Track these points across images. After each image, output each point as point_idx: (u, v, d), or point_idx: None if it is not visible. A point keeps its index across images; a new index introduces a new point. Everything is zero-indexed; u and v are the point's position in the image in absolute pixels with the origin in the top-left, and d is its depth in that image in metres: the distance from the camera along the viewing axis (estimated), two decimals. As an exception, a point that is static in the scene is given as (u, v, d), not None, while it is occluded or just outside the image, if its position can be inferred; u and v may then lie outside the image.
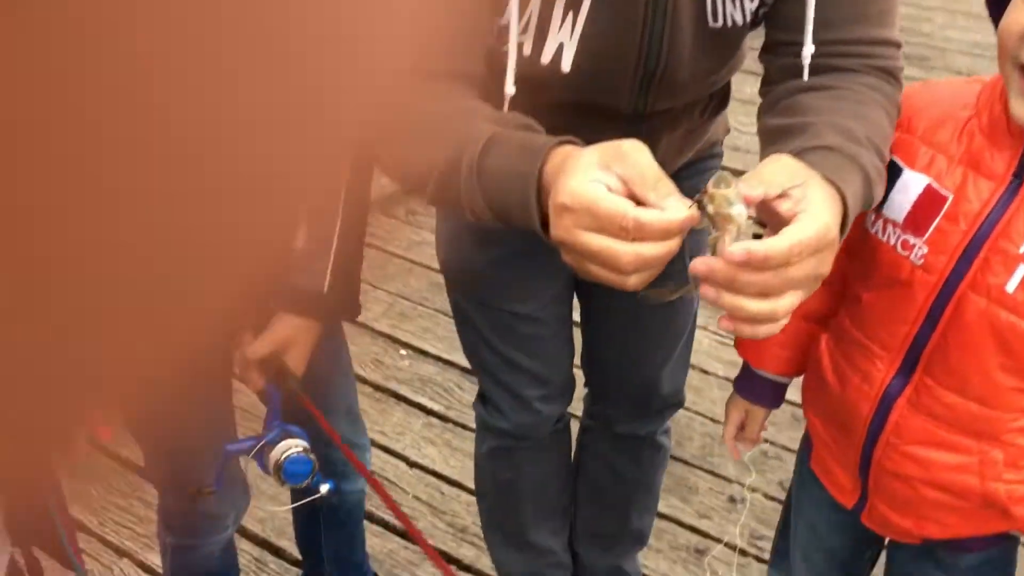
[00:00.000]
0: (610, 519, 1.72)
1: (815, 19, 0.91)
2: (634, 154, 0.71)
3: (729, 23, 0.97)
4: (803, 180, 0.75)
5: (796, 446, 2.33)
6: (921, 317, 1.05)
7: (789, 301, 0.73)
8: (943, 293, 1.03)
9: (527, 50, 0.96)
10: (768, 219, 0.76)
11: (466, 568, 2.03)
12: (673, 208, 0.69)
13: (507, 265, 1.31)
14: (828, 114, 0.89)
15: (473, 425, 2.36)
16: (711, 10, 0.96)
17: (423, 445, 2.32)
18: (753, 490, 2.22)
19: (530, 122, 0.87)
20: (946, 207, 1.02)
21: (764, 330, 0.75)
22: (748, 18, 0.98)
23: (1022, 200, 0.99)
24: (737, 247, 0.69)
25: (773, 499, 2.20)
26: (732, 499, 2.20)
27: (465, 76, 0.92)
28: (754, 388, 1.33)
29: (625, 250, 0.68)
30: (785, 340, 1.24)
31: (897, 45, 1.00)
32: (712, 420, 2.43)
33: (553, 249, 1.39)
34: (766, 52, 1.04)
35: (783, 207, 0.74)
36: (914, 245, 1.05)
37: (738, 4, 0.97)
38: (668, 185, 0.71)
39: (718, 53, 1.03)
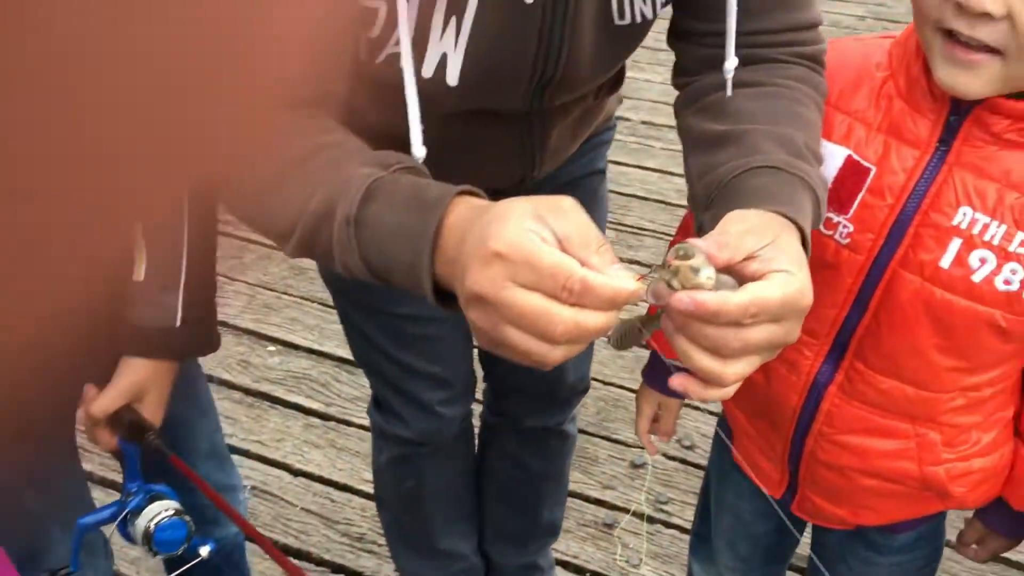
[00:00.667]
0: (521, 516, 1.63)
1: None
2: (575, 212, 0.62)
3: (638, 19, 0.87)
4: (772, 238, 0.65)
5: (688, 400, 2.31)
6: (850, 300, 0.97)
7: (742, 367, 0.65)
8: (872, 273, 0.96)
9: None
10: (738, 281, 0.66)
11: (369, 580, 1.90)
12: (622, 277, 0.60)
13: None
14: (764, 119, 0.81)
15: (357, 420, 2.23)
16: (617, 9, 0.85)
17: (306, 449, 2.16)
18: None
19: (416, 164, 0.74)
20: (869, 180, 0.94)
21: (713, 394, 0.66)
22: (658, 9, 0.88)
23: (950, 168, 0.92)
24: (685, 294, 0.60)
25: (674, 459, 2.16)
26: (634, 464, 2.14)
27: (325, 100, 0.79)
28: (666, 380, 1.25)
29: (564, 315, 0.58)
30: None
31: (818, 24, 0.91)
32: (603, 383, 2.36)
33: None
34: (679, 40, 0.93)
35: (750, 268, 0.65)
36: (838, 223, 0.96)
37: None
38: (612, 252, 0.62)
39: (622, 49, 0.93)
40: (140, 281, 1.05)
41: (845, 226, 0.96)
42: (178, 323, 1.06)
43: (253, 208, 0.78)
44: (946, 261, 0.92)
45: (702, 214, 0.78)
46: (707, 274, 0.60)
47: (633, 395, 2.36)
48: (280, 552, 1.03)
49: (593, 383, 2.34)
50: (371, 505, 2.01)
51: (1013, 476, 1.07)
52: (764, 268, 0.63)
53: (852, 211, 0.95)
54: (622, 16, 0.85)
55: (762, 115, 0.81)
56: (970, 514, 1.19)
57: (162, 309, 1.06)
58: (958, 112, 0.91)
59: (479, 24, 0.80)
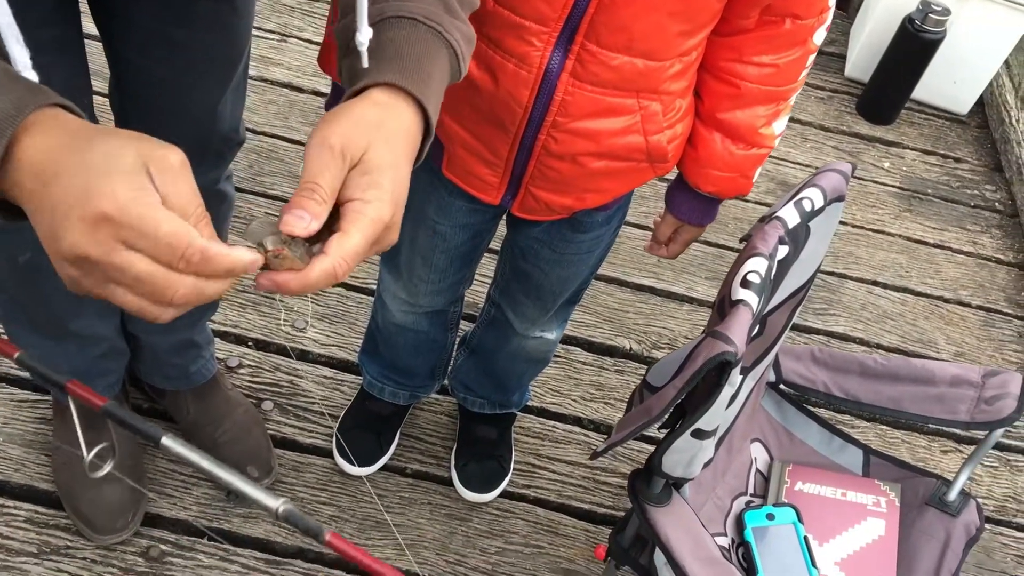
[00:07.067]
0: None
1: None
2: (184, 175, 0.56)
3: None
4: (362, 152, 0.62)
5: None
6: None
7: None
8: None
9: None
10: None
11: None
12: (239, 249, 0.57)
13: None
14: None
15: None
16: None
17: None
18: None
19: None
20: None
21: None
22: None
23: None
24: (265, 278, 0.60)
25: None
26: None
27: None
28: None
29: (184, 284, 0.55)
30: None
31: None
32: (255, 132, 2.08)
33: None
34: None
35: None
36: None
37: None
38: (211, 226, 0.57)
39: None
40: None
41: None
42: None
43: None
44: None
45: (342, 59, 0.73)
46: (296, 254, 0.60)
47: (290, 145, 2.11)
48: None
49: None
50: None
51: (699, 157, 1.14)
52: (349, 201, 0.62)
53: None
54: None
55: None
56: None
57: None
58: None
59: None
